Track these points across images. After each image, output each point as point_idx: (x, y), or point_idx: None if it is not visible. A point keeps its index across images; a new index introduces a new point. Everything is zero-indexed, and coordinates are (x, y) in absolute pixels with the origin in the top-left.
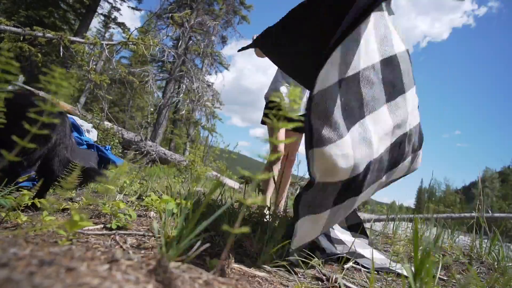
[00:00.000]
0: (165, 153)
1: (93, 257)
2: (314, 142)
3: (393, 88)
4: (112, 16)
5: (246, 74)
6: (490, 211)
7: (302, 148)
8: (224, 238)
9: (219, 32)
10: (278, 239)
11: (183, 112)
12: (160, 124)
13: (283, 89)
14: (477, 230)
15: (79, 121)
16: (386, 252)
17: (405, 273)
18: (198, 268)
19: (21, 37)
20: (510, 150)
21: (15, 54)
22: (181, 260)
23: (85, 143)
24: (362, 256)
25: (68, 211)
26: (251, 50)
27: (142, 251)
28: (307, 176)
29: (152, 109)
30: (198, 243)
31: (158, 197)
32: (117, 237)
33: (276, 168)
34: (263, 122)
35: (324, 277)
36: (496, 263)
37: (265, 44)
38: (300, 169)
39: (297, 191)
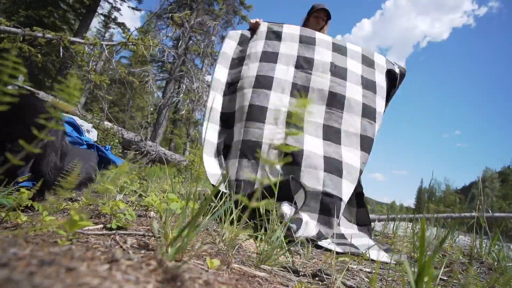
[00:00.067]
0: (165, 153)
1: (93, 257)
2: None
3: None
4: (112, 16)
5: None
6: (490, 211)
7: None
8: (224, 238)
9: (219, 32)
10: (278, 239)
11: (183, 112)
12: (160, 124)
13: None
14: (477, 230)
15: (79, 121)
16: (386, 251)
17: (385, 259)
18: (198, 268)
19: (21, 38)
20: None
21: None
22: (181, 260)
23: (85, 143)
24: (352, 245)
25: (68, 211)
26: None
27: (142, 251)
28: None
29: (152, 109)
30: (198, 243)
31: (163, 196)
32: (117, 237)
33: None
34: None
35: (324, 276)
36: (496, 263)
37: None
38: None
39: None
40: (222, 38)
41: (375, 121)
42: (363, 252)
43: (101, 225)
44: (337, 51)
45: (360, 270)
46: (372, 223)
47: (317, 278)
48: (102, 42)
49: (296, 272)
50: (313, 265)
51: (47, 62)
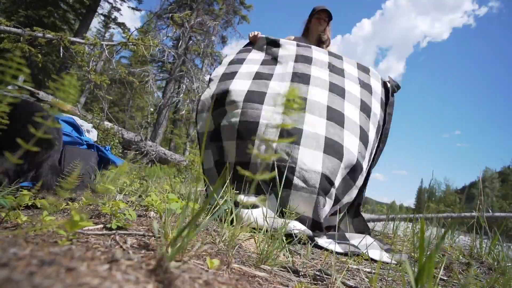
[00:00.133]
0: (165, 153)
1: (93, 257)
2: None
3: None
4: (112, 16)
5: None
6: (490, 211)
7: None
8: (224, 238)
9: (219, 32)
10: (279, 239)
11: (183, 112)
12: (160, 124)
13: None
14: (477, 230)
15: (79, 121)
16: (387, 251)
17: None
18: (198, 268)
19: (21, 38)
20: (510, 150)
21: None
22: (181, 260)
23: (85, 143)
24: (353, 245)
25: (68, 211)
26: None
27: (142, 251)
28: None
29: (152, 109)
30: (198, 243)
31: (163, 196)
32: (117, 237)
33: None
34: None
35: (324, 276)
36: (496, 263)
37: None
38: None
39: None
40: (222, 38)
41: (369, 119)
42: (363, 252)
43: (101, 225)
44: (333, 55)
45: (360, 270)
46: (372, 223)
47: (317, 278)
48: (102, 42)
49: (296, 272)
50: (313, 265)
51: (47, 62)
